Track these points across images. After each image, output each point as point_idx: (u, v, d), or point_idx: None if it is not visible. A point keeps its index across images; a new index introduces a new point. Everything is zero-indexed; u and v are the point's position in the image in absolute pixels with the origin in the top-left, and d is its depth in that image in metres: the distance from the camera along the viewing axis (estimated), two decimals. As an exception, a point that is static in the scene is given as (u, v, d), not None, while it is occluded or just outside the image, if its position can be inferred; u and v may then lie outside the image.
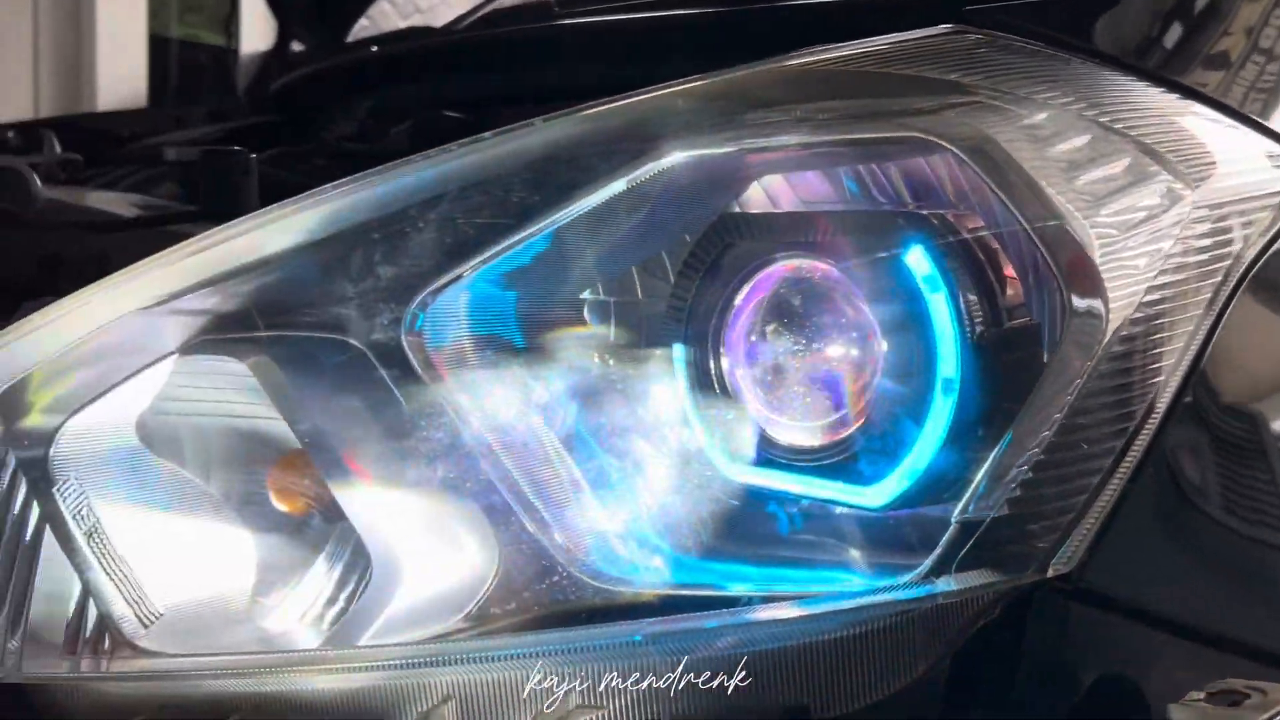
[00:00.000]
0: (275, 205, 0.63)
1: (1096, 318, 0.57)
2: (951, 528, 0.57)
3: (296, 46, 1.97)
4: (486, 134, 0.62)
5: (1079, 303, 0.58)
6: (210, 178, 0.88)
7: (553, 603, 0.61)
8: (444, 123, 1.13)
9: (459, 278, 0.64)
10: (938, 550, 0.56)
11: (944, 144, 0.60)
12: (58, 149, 1.14)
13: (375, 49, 1.67)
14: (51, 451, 0.63)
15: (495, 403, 0.65)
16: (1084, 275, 0.58)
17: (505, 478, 0.63)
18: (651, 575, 0.64)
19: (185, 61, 3.39)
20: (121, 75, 3.05)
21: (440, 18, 2.08)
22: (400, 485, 0.63)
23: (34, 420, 0.63)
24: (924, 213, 0.61)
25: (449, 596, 0.63)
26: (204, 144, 1.19)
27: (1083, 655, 0.57)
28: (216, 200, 0.87)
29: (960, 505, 0.57)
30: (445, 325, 0.65)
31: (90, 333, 0.63)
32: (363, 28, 2.00)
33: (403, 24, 2.39)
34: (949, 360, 0.58)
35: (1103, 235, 0.58)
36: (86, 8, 3.11)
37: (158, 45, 3.26)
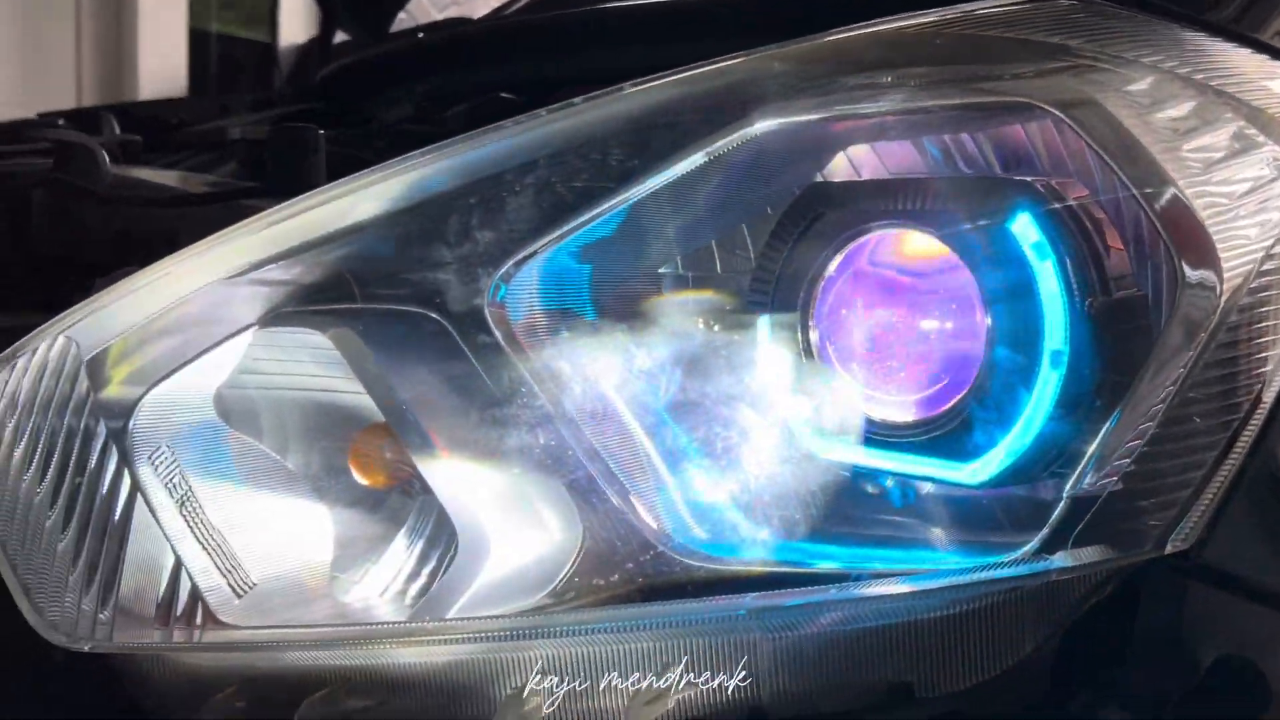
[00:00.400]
0: (361, 172, 0.62)
1: (1210, 289, 0.55)
2: (1063, 503, 0.55)
3: (340, 37, 1.97)
4: (577, 100, 0.61)
5: (1191, 273, 0.56)
6: (279, 154, 0.87)
7: (652, 575, 0.59)
8: (500, 105, 1.12)
9: (541, 250, 0.62)
10: (1049, 527, 0.55)
11: (1048, 108, 0.58)
12: (117, 130, 1.14)
13: (421, 35, 1.67)
14: (132, 423, 0.62)
15: (578, 376, 0.64)
16: (1196, 245, 0.56)
17: (589, 452, 0.62)
18: (741, 552, 0.62)
19: (225, 53, 3.41)
20: (163, 67, 3.07)
21: (477, 9, 2.08)
22: (484, 458, 0.62)
23: (115, 391, 0.63)
24: (1029, 179, 0.59)
25: (535, 571, 0.61)
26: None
27: (1201, 634, 0.55)
28: (285, 176, 0.86)
29: (1071, 481, 0.55)
30: (528, 297, 0.64)
31: (172, 303, 0.62)
32: (401, 21, 2.00)
33: (439, 15, 2.39)
34: (1057, 331, 0.56)
35: (1213, 204, 0.56)
36: (128, 1, 3.13)
37: (198, 38, 3.28)
